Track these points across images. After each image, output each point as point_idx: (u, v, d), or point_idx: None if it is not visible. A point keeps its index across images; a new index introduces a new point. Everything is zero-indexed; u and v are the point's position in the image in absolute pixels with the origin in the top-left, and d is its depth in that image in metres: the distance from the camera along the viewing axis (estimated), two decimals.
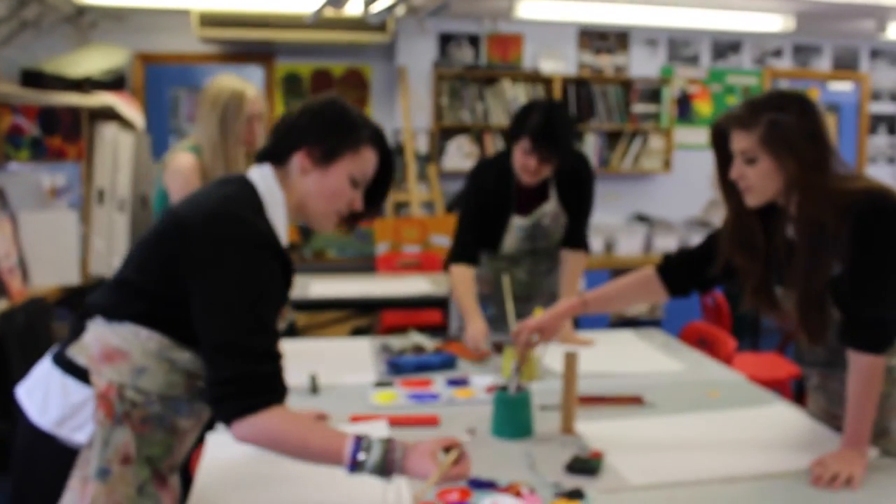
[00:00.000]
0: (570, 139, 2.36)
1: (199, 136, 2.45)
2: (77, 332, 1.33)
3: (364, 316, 4.69)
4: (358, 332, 4.53)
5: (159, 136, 5.18)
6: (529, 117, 2.27)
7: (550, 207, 2.48)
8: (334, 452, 1.23)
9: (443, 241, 4.69)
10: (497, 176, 2.44)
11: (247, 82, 2.46)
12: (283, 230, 1.38)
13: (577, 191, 2.50)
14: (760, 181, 1.52)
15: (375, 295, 3.60)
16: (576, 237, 2.55)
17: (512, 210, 2.46)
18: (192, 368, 1.33)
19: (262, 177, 1.40)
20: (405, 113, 5.01)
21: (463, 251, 2.47)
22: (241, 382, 1.22)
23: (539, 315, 1.84)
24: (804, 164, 1.48)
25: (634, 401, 1.92)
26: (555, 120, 2.27)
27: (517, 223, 2.48)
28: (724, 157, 1.61)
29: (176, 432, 1.36)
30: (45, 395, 1.31)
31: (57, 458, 1.29)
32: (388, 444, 1.24)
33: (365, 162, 1.43)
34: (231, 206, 1.30)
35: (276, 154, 1.42)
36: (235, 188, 1.36)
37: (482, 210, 2.46)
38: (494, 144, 5.11)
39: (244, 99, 2.42)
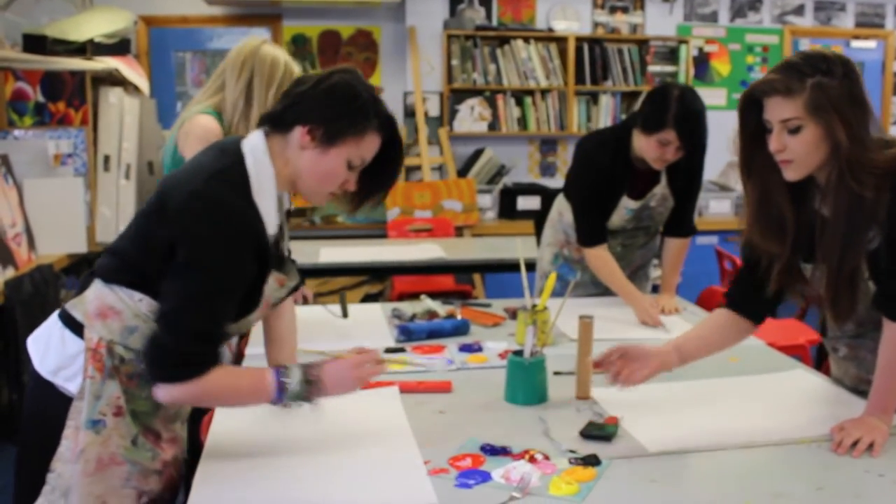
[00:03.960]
0: (706, 124, 2.33)
1: (219, 100, 2.22)
2: (84, 289, 1.39)
3: (375, 282, 4.65)
4: (369, 298, 4.50)
5: (165, 100, 5.11)
6: (668, 108, 2.22)
7: (659, 190, 2.44)
8: (262, 385, 1.33)
9: (455, 205, 4.62)
10: (613, 155, 2.38)
11: (283, 52, 2.24)
12: (271, 209, 1.36)
13: (688, 174, 2.46)
14: (805, 151, 1.40)
15: (387, 260, 3.56)
16: (683, 223, 2.53)
17: (624, 192, 2.42)
18: None
19: (252, 149, 1.36)
20: (415, 75, 4.91)
21: (592, 232, 2.43)
22: (174, 355, 1.28)
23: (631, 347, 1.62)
24: (850, 130, 1.37)
25: None
26: (694, 108, 2.25)
27: (627, 205, 2.43)
28: (751, 131, 1.47)
29: None
30: (46, 344, 1.38)
31: (56, 405, 1.35)
32: (305, 365, 1.37)
33: (366, 148, 1.41)
34: (215, 187, 1.30)
35: (280, 121, 1.39)
36: (227, 162, 1.34)
37: (598, 188, 2.40)
38: (507, 107, 5.01)
39: (276, 67, 2.18)
